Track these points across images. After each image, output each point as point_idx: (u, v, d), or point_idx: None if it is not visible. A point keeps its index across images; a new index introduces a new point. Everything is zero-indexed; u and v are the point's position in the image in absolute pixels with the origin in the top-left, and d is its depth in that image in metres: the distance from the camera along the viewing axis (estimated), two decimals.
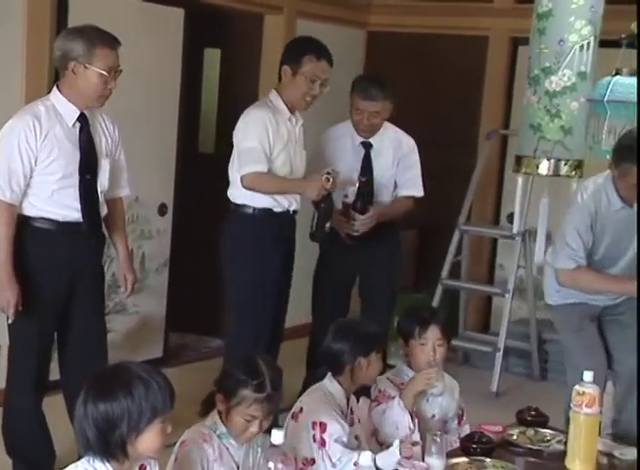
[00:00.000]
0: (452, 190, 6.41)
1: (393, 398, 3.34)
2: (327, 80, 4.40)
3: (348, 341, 3.20)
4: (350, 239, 4.68)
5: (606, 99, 3.35)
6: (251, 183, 4.27)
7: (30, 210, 3.68)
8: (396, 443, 2.98)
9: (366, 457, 2.19)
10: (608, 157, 3.55)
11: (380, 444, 3.28)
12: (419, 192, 4.90)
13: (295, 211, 4.48)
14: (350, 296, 4.92)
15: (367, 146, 4.79)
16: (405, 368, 3.54)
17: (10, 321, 3.70)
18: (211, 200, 5.34)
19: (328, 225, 4.38)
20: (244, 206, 4.38)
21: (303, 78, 4.36)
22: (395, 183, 4.85)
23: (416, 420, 3.35)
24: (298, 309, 6.72)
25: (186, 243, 5.91)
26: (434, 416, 3.53)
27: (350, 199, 4.70)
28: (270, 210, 4.38)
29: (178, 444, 2.70)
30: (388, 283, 4.86)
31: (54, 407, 3.86)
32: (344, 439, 3.05)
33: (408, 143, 4.88)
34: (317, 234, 4.40)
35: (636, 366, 3.12)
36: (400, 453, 2.95)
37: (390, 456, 2.96)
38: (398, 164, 4.83)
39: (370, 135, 4.77)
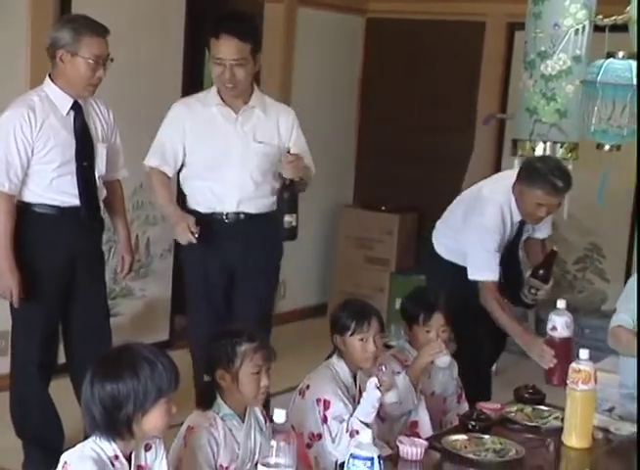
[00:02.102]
0: (450, 174, 6.41)
1: (398, 373, 3.34)
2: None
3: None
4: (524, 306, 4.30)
5: (598, 80, 3.35)
6: (148, 176, 3.99)
7: (31, 196, 3.69)
8: (372, 381, 3.02)
9: (367, 435, 2.20)
10: (597, 139, 3.53)
11: (382, 419, 3.30)
12: None
13: (230, 214, 3.88)
14: None
15: None
16: (408, 347, 3.55)
17: (16, 306, 3.72)
18: None
19: (289, 220, 3.79)
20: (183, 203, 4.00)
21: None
22: None
23: (422, 398, 3.36)
24: (308, 291, 6.84)
25: None
26: (433, 393, 3.55)
27: None
28: (196, 211, 3.90)
29: (184, 429, 2.71)
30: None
31: (62, 390, 3.88)
32: (345, 417, 3.07)
33: None
34: (281, 232, 3.83)
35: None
36: (380, 389, 3.00)
37: (370, 398, 3.00)
38: None
39: None
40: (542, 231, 4.26)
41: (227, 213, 3.87)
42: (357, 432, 3.00)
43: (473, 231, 3.93)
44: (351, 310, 3.25)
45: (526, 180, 3.86)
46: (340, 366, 3.21)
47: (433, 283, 4.24)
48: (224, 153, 3.85)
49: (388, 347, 3.67)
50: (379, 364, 3.21)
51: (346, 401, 3.12)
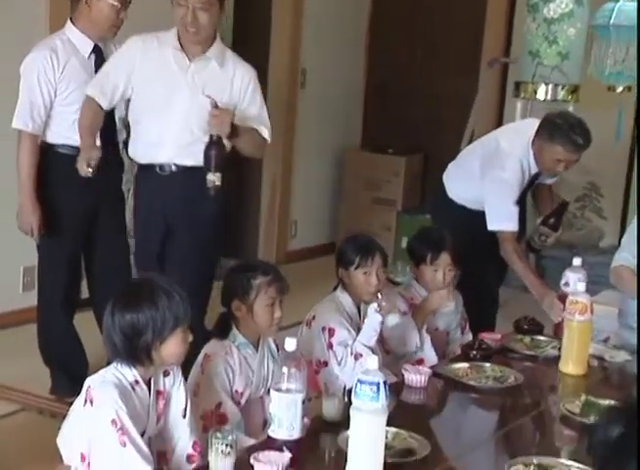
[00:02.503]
0: (455, 116, 6.39)
1: (404, 313, 3.36)
2: None
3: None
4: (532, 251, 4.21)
5: (611, 23, 3.31)
6: (82, 105, 3.66)
7: (53, 137, 3.71)
8: (372, 306, 3.06)
9: (373, 361, 2.23)
10: (612, 81, 3.50)
11: (387, 352, 3.35)
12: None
13: (168, 165, 3.63)
14: None
15: None
16: (415, 284, 3.55)
17: (37, 243, 3.77)
18: None
19: (212, 179, 3.46)
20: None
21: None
22: None
23: (428, 337, 3.39)
24: (318, 230, 6.88)
25: None
26: (437, 328, 3.58)
27: None
28: (135, 161, 3.75)
29: (201, 357, 2.75)
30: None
31: (85, 323, 3.96)
32: (349, 343, 3.12)
33: None
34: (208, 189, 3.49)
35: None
36: (380, 312, 3.05)
37: (371, 322, 3.06)
38: None
39: None
40: (551, 177, 4.21)
41: (164, 165, 3.62)
42: (361, 355, 3.06)
43: (492, 184, 3.85)
44: (356, 245, 3.26)
45: (547, 136, 3.76)
46: (344, 298, 3.25)
47: (441, 223, 4.23)
48: (168, 100, 3.57)
49: (394, 283, 3.69)
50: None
51: (350, 329, 3.16)
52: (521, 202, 3.96)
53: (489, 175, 3.89)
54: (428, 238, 3.56)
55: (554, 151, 3.76)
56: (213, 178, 3.44)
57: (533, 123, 3.92)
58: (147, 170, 3.68)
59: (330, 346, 3.14)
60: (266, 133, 3.68)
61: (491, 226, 3.86)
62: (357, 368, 2.99)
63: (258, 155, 3.88)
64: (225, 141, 3.48)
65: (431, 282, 3.48)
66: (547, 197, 4.22)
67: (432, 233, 3.65)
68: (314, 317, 3.22)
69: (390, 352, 3.35)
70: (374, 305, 3.08)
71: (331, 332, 3.15)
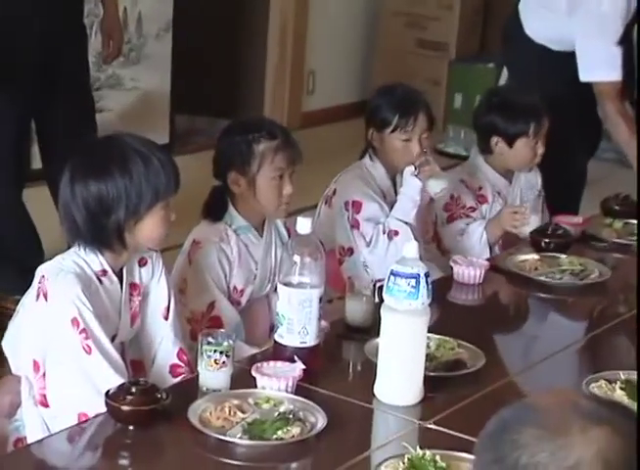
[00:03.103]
0: None
1: (471, 212, 3.39)
2: None
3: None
4: None
5: None
6: None
7: None
8: (408, 169, 3.11)
9: (411, 247, 2.25)
10: None
11: (442, 252, 3.37)
12: None
13: None
14: None
15: None
16: (482, 164, 3.51)
17: None
18: None
19: None
20: None
21: None
22: None
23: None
24: (343, 85, 6.84)
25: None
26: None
27: None
28: None
29: (189, 243, 2.78)
30: None
31: (38, 200, 3.99)
32: (381, 220, 3.16)
33: None
34: None
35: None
36: (419, 176, 3.10)
37: (408, 189, 3.11)
38: None
39: None
40: None
41: None
42: (397, 233, 3.09)
43: (586, 20, 3.77)
44: (394, 100, 3.25)
45: None
46: (374, 168, 3.26)
47: (513, 71, 4.18)
48: None
49: (444, 154, 3.69)
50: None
51: (382, 203, 3.19)
52: (625, 41, 3.87)
53: (582, 9, 3.81)
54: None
55: None
56: None
57: None
58: None
59: (355, 224, 3.17)
60: None
61: (585, 76, 3.80)
62: (392, 250, 3.02)
63: None
64: None
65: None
66: None
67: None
68: (335, 192, 3.24)
69: (446, 253, 3.38)
70: (410, 169, 3.09)
71: (356, 206, 3.17)
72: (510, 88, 3.96)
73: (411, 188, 3.11)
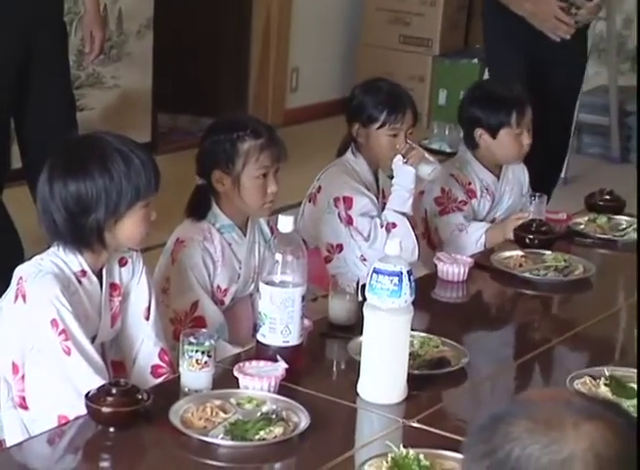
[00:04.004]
0: None
1: (463, 206, 3.37)
2: None
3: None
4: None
5: None
6: None
7: None
8: (397, 159, 3.11)
9: (393, 244, 2.24)
10: None
11: (432, 247, 3.37)
12: None
13: None
14: None
15: None
16: (471, 159, 3.51)
17: None
18: None
19: None
20: None
21: None
22: None
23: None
24: (326, 82, 6.83)
25: None
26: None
27: None
28: None
29: (172, 242, 2.78)
30: None
31: (18, 201, 3.97)
32: (374, 213, 3.16)
33: None
34: None
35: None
36: (408, 162, 3.11)
37: (402, 178, 3.12)
38: None
39: None
40: None
41: None
42: (394, 225, 3.10)
43: None
44: (381, 96, 3.25)
45: None
46: (358, 163, 3.26)
47: (499, 69, 4.20)
48: None
49: (430, 150, 3.69)
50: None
51: (371, 195, 3.18)
52: None
53: None
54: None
55: None
56: None
57: None
58: None
59: (349, 220, 3.17)
60: None
61: None
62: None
63: None
64: None
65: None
66: None
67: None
68: (320, 188, 3.23)
69: (438, 246, 3.37)
70: (399, 158, 3.09)
71: (347, 202, 3.17)
72: (493, 81, 4.02)
73: (404, 177, 3.11)
